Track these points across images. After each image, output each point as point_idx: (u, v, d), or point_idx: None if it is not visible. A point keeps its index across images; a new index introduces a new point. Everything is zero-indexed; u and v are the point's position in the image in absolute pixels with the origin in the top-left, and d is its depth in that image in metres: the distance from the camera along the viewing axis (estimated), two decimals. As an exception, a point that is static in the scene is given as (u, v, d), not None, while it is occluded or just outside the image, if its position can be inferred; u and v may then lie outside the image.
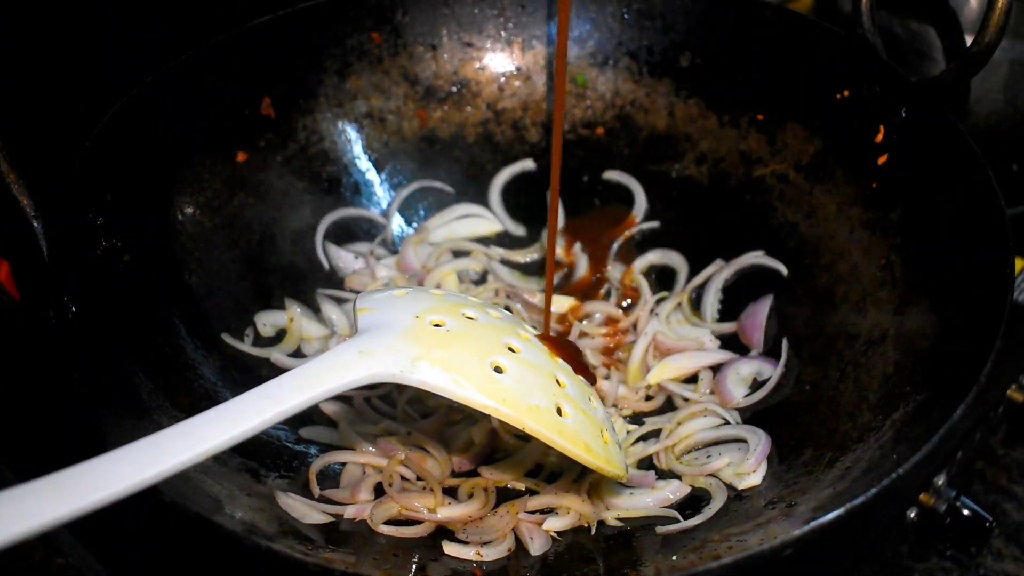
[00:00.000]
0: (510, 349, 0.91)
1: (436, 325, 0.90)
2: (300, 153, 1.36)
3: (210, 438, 0.72)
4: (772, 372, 1.16)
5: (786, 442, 1.07)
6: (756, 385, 1.17)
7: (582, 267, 1.35)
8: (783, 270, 1.26)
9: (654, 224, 1.38)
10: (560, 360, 0.97)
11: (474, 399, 0.85)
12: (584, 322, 1.27)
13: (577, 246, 1.37)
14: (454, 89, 1.45)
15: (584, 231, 1.39)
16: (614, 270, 1.34)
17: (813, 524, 0.77)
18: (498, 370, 0.88)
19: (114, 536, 1.03)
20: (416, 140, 1.44)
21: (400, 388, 1.15)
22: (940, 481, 1.08)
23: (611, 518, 1.02)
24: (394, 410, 1.15)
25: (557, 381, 0.92)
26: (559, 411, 0.89)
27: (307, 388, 0.79)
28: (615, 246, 1.36)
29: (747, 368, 1.19)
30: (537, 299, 1.29)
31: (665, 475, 1.08)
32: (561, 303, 1.28)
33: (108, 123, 1.13)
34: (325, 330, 1.26)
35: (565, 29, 1.00)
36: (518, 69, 1.45)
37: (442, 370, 0.85)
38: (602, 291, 1.33)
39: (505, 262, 1.37)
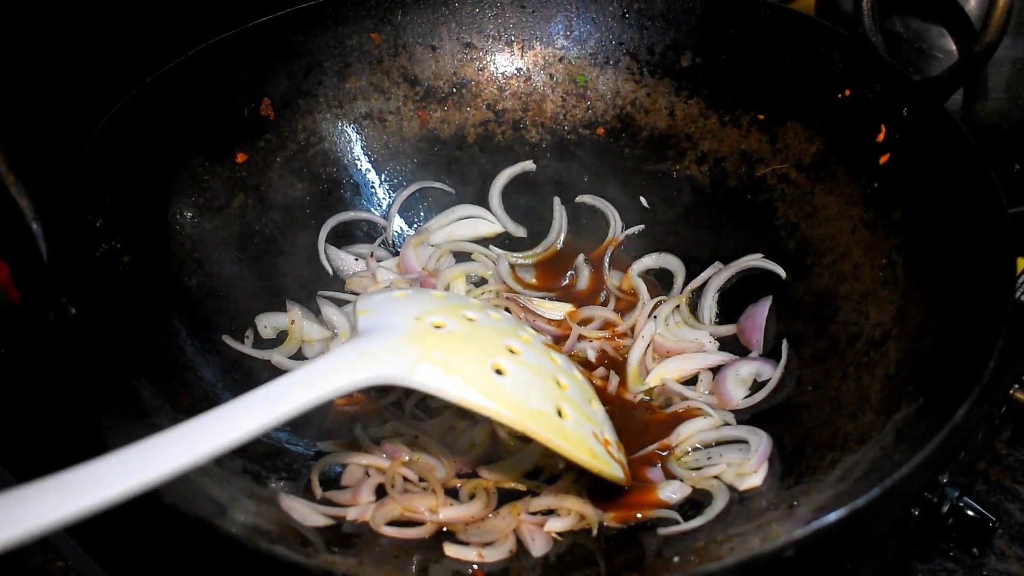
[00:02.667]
0: (510, 351, 0.91)
1: (437, 327, 0.89)
2: (300, 154, 1.36)
3: (211, 440, 0.72)
4: (772, 373, 1.16)
5: (788, 443, 1.07)
6: (756, 386, 1.17)
7: (584, 278, 1.35)
8: (781, 272, 1.25)
9: (640, 227, 1.39)
10: (560, 361, 0.97)
11: (475, 402, 0.84)
12: (582, 327, 1.27)
13: (580, 258, 1.37)
14: (454, 90, 1.44)
15: (585, 245, 1.40)
16: (612, 276, 1.34)
17: (815, 525, 0.77)
18: (499, 372, 0.87)
19: (114, 539, 1.03)
20: (416, 141, 1.44)
21: (408, 391, 1.15)
22: (943, 481, 1.08)
23: (613, 519, 1.02)
24: (401, 412, 1.15)
25: (557, 383, 0.92)
26: (560, 413, 0.89)
27: (308, 390, 0.78)
28: (607, 257, 1.36)
29: (747, 369, 1.19)
30: (534, 303, 1.29)
31: (666, 476, 1.08)
32: (558, 309, 1.28)
33: (107, 124, 1.13)
34: (326, 332, 1.25)
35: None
36: (518, 70, 1.45)
37: (443, 372, 0.84)
38: (601, 297, 1.33)
39: (511, 265, 1.37)
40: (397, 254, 1.38)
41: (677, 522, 0.99)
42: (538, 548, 0.98)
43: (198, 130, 1.25)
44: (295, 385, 0.79)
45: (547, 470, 1.08)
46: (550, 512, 1.02)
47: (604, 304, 1.31)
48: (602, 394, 1.17)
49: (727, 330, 1.25)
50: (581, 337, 1.25)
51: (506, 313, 1.02)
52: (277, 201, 1.33)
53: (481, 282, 1.36)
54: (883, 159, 1.17)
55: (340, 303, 1.29)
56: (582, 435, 0.90)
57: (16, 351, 1.15)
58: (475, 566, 0.95)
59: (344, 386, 0.80)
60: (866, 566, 1.06)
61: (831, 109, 1.24)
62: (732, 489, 1.04)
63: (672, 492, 1.04)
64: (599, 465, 0.90)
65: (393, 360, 0.84)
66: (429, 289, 1.28)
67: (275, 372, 1.19)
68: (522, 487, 1.06)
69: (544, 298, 1.31)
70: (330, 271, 1.35)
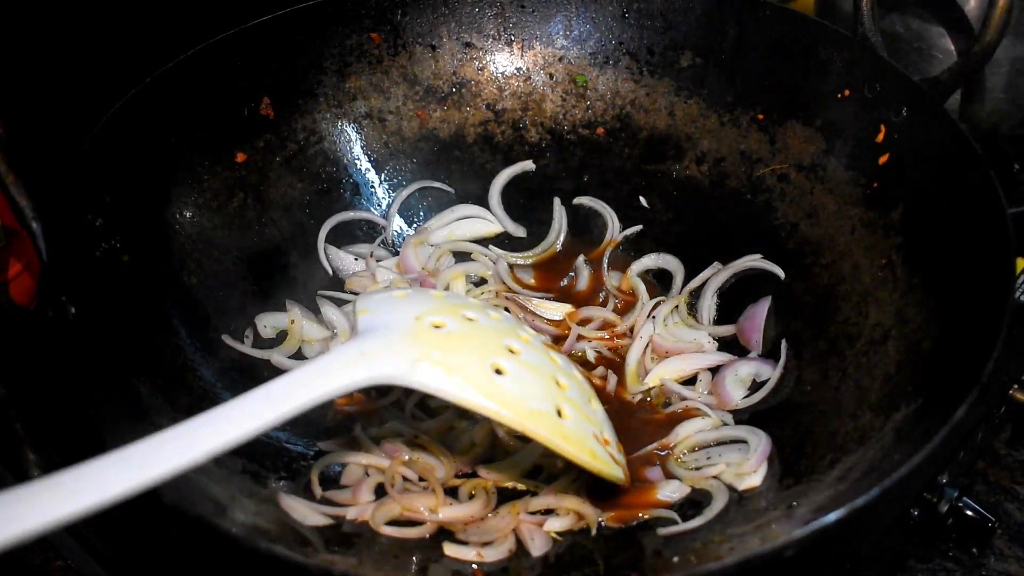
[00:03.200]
0: (510, 351, 0.91)
1: (436, 326, 0.89)
2: (299, 153, 1.36)
3: (210, 440, 0.72)
4: (771, 373, 1.16)
5: (787, 443, 1.07)
6: (756, 386, 1.17)
7: (583, 278, 1.35)
8: (780, 273, 1.25)
9: (639, 227, 1.39)
10: (560, 361, 0.97)
11: (475, 402, 0.84)
12: (582, 327, 1.27)
13: (580, 258, 1.37)
14: (454, 89, 1.44)
15: (585, 246, 1.40)
16: (611, 277, 1.34)
17: (814, 525, 0.77)
18: (499, 372, 0.87)
19: (114, 539, 1.03)
20: (416, 140, 1.44)
21: (408, 391, 1.15)
22: (942, 482, 1.08)
23: (611, 519, 1.02)
24: (401, 412, 1.15)
25: (557, 383, 0.92)
26: (560, 413, 0.89)
27: (307, 390, 0.78)
28: (605, 258, 1.36)
29: (746, 369, 1.19)
30: (534, 303, 1.29)
31: (665, 476, 1.08)
32: (558, 309, 1.28)
33: (107, 124, 1.13)
34: (326, 332, 1.25)
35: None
36: (518, 69, 1.45)
37: (442, 372, 0.84)
38: (599, 297, 1.33)
39: (510, 265, 1.37)
40: (397, 254, 1.38)
41: (676, 522, 0.99)
42: (537, 547, 0.98)
43: (198, 130, 1.25)
44: (295, 385, 0.79)
45: (546, 470, 1.08)
46: (549, 512, 1.02)
47: (603, 304, 1.31)
48: (601, 394, 1.17)
49: (726, 330, 1.25)
50: (580, 337, 1.25)
51: (506, 313, 1.02)
52: (277, 201, 1.33)
53: (481, 282, 1.36)
54: (883, 159, 1.17)
55: (340, 303, 1.29)
56: (582, 435, 0.90)
57: (16, 353, 1.14)
58: (475, 565, 0.95)
59: (344, 386, 0.80)
60: (866, 566, 1.06)
61: (831, 109, 1.24)
62: (731, 489, 1.04)
63: (671, 492, 1.04)
64: (599, 465, 0.90)
65: (393, 360, 0.84)
66: (429, 289, 1.28)
67: (275, 372, 1.19)
68: (521, 487, 1.06)
69: (543, 298, 1.31)
70: (330, 271, 1.35)
